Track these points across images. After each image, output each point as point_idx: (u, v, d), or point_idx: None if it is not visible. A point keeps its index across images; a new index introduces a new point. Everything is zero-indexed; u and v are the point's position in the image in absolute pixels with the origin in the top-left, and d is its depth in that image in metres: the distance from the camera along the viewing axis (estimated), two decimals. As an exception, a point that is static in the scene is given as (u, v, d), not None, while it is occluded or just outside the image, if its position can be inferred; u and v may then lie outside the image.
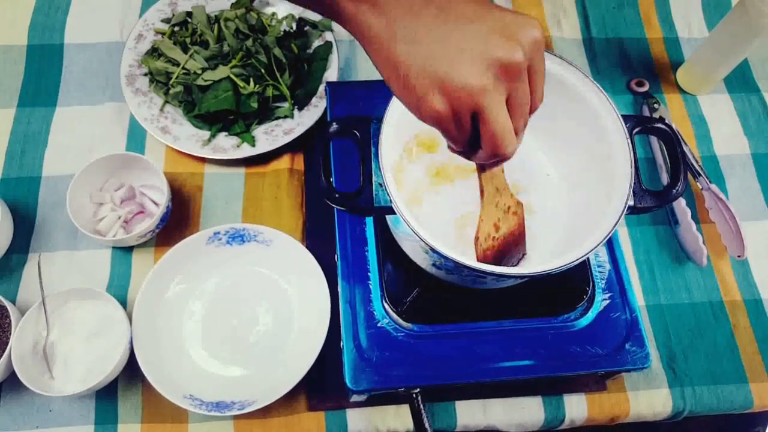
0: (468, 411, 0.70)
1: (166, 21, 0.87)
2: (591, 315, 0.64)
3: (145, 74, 0.83)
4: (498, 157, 0.43)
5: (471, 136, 0.42)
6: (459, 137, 0.42)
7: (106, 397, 0.68)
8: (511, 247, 0.59)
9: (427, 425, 0.60)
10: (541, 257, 0.61)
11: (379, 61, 0.42)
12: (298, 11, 0.88)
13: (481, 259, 0.58)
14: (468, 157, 0.46)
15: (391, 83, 0.42)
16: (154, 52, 0.84)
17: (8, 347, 0.64)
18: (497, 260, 0.59)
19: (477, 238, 0.56)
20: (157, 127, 0.79)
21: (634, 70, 0.92)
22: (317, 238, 0.76)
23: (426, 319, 0.63)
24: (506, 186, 0.55)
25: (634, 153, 0.55)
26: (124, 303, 0.72)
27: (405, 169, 0.64)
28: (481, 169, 0.52)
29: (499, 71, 0.39)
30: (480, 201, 0.55)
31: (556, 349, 0.62)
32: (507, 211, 0.57)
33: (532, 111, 0.44)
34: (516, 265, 0.60)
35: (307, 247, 0.72)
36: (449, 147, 0.46)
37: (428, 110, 0.40)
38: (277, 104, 0.83)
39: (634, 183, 0.54)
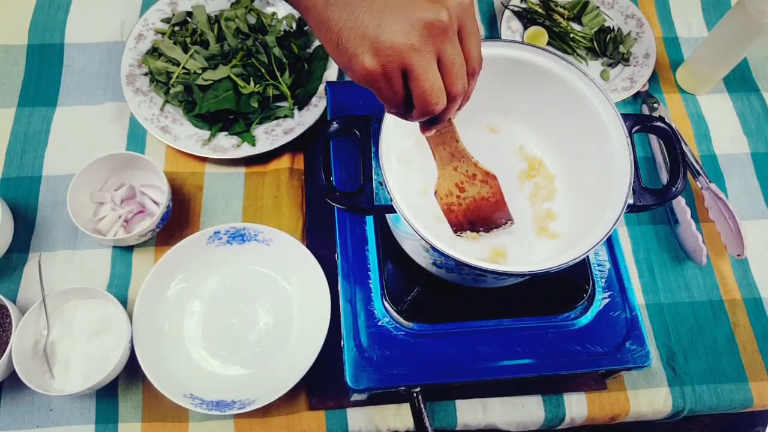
0: (468, 410, 0.70)
1: (167, 21, 0.87)
2: (591, 314, 0.64)
3: (146, 74, 0.83)
4: (429, 115, 0.45)
5: (404, 96, 0.44)
6: (391, 96, 0.44)
7: (106, 396, 0.68)
8: (490, 212, 0.61)
9: (427, 424, 0.60)
10: (541, 256, 0.62)
11: (314, 24, 0.45)
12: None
13: (447, 212, 0.60)
14: (404, 118, 0.47)
15: (326, 45, 0.44)
16: (155, 51, 0.84)
17: (9, 346, 0.64)
18: (474, 221, 0.61)
19: (436, 192, 0.59)
20: (158, 126, 0.79)
21: (634, 69, 0.92)
22: (317, 238, 0.76)
23: (426, 317, 0.63)
24: (464, 153, 0.56)
25: (634, 151, 0.55)
26: (124, 302, 0.72)
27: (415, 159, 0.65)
28: (424, 130, 0.52)
29: (425, 31, 0.41)
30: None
31: (556, 348, 0.62)
32: (472, 178, 0.58)
33: (471, 74, 0.46)
34: (501, 227, 0.62)
35: (307, 247, 0.72)
36: (386, 109, 0.47)
37: (359, 68, 0.42)
38: (278, 104, 0.84)
39: (634, 181, 0.54)
